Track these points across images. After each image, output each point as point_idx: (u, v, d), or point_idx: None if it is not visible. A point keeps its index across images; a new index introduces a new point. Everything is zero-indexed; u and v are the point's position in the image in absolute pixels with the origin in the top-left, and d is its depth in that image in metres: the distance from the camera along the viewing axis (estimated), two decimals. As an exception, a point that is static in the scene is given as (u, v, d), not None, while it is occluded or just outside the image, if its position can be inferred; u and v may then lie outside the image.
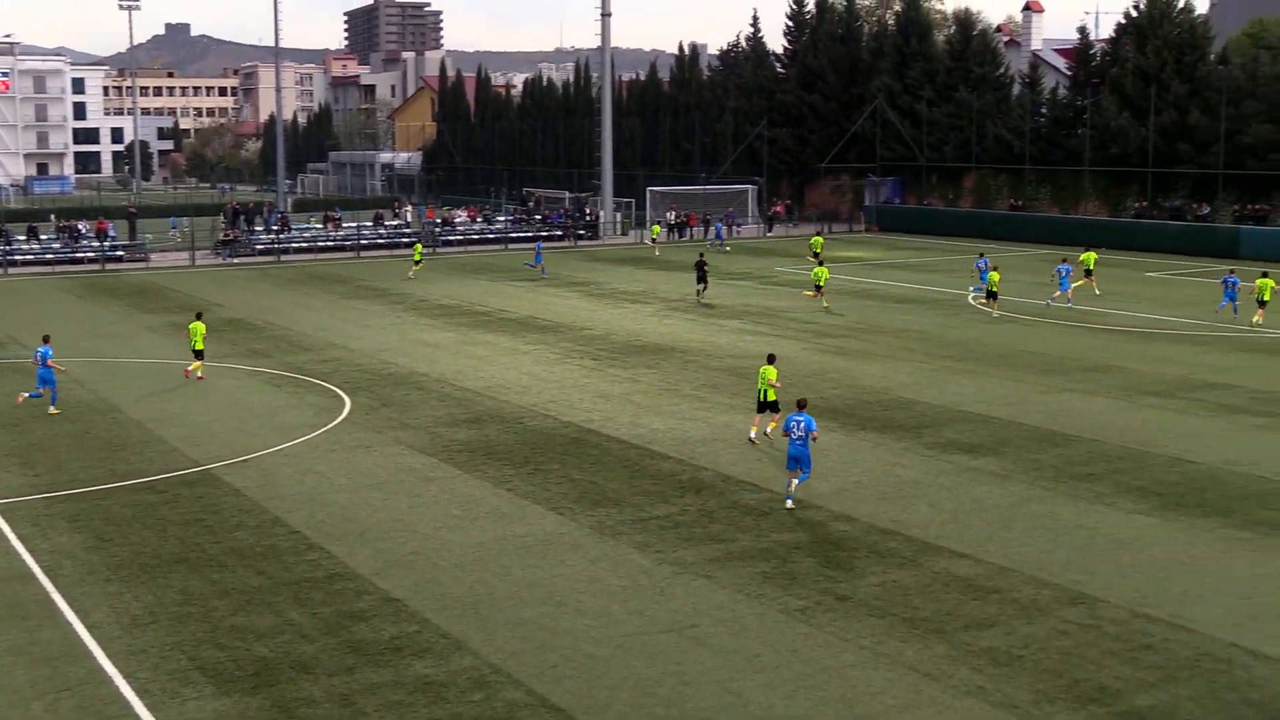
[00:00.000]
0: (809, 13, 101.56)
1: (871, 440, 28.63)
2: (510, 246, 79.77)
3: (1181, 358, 38.91)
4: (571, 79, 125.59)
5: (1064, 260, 52.55)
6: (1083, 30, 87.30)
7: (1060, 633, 17.49)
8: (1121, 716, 15.08)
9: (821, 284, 50.10)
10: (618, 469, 26.39)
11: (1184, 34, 78.34)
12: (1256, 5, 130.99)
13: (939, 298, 53.17)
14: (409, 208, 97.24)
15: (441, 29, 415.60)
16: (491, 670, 16.49)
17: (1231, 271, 48.79)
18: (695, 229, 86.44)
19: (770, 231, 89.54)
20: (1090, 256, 54.76)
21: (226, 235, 77.37)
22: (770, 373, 28.30)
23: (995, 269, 49.54)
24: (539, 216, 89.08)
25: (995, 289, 48.07)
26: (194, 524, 22.78)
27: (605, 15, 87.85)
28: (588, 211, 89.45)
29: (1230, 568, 20.12)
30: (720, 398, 33.42)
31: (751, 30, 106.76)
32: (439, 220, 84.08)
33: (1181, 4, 79.56)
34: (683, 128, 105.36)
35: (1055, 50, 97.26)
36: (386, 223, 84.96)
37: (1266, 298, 45.34)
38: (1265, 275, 46.85)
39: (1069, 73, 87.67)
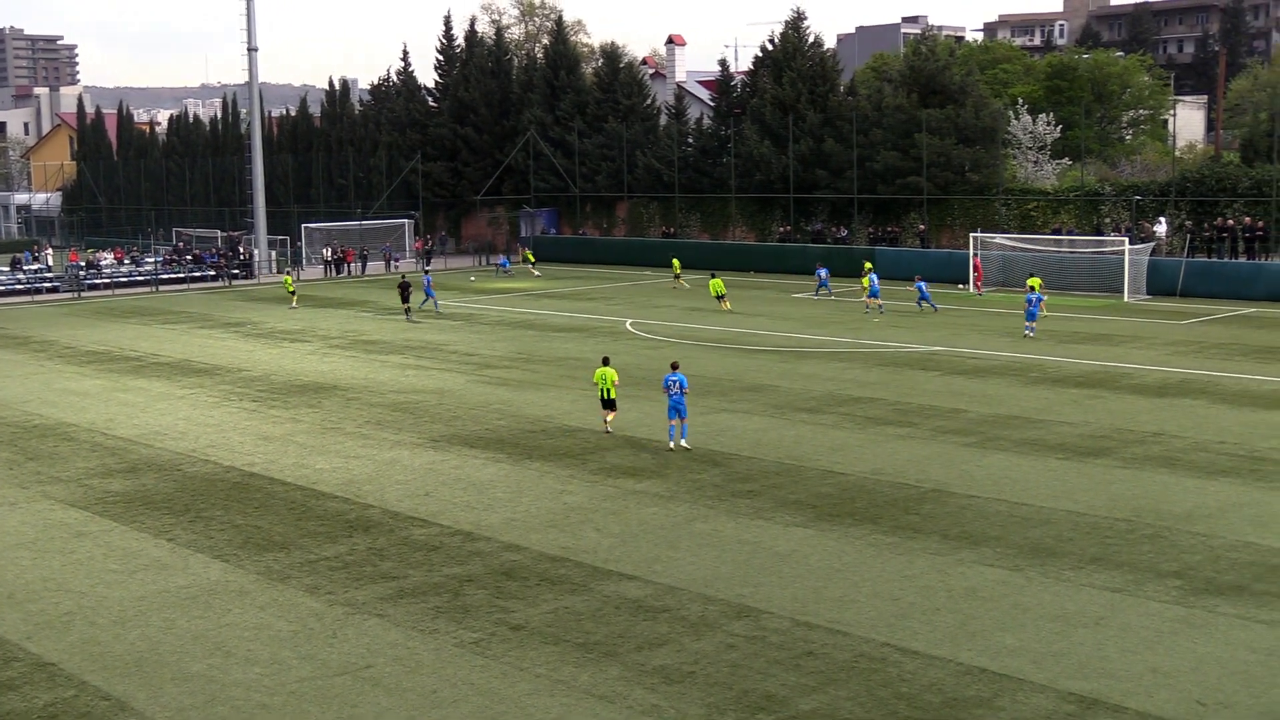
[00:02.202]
0: (459, 46, 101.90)
1: (538, 469, 28.86)
2: (161, 289, 76.88)
3: (829, 374, 40.75)
4: (219, 115, 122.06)
5: (870, 270, 58.28)
6: (723, 63, 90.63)
7: (728, 646, 18.01)
8: (788, 722, 15.66)
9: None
10: (283, 512, 25.76)
11: (815, 67, 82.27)
12: (876, 42, 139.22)
13: (597, 325, 54.09)
14: (49, 251, 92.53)
15: (77, 63, 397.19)
16: (158, 730, 15.80)
17: (919, 277, 56.97)
18: (353, 264, 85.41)
19: (429, 265, 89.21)
20: (867, 266, 59.70)
21: None
22: (611, 374, 31.74)
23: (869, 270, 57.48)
24: (190, 257, 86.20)
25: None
26: None
27: (252, 50, 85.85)
28: (241, 250, 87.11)
29: (880, 571, 21.15)
30: (385, 434, 33.06)
31: (402, 64, 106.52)
32: (83, 263, 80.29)
33: (811, 39, 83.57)
34: (336, 163, 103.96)
35: (699, 81, 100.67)
36: (25, 267, 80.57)
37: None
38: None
39: (712, 103, 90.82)
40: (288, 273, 72.74)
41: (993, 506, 24.91)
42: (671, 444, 30.23)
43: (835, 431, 32.24)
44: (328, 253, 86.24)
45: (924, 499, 25.59)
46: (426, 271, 70.14)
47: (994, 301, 59.54)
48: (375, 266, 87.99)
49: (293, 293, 66.21)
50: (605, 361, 32.55)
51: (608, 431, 32.08)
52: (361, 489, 27.44)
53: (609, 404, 32.17)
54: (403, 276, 63.03)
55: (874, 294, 55.92)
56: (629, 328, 53.18)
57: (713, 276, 59.97)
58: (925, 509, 24.85)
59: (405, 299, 57.86)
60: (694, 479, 27.59)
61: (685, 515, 24.83)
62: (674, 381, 29.99)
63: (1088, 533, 23.02)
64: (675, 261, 71.81)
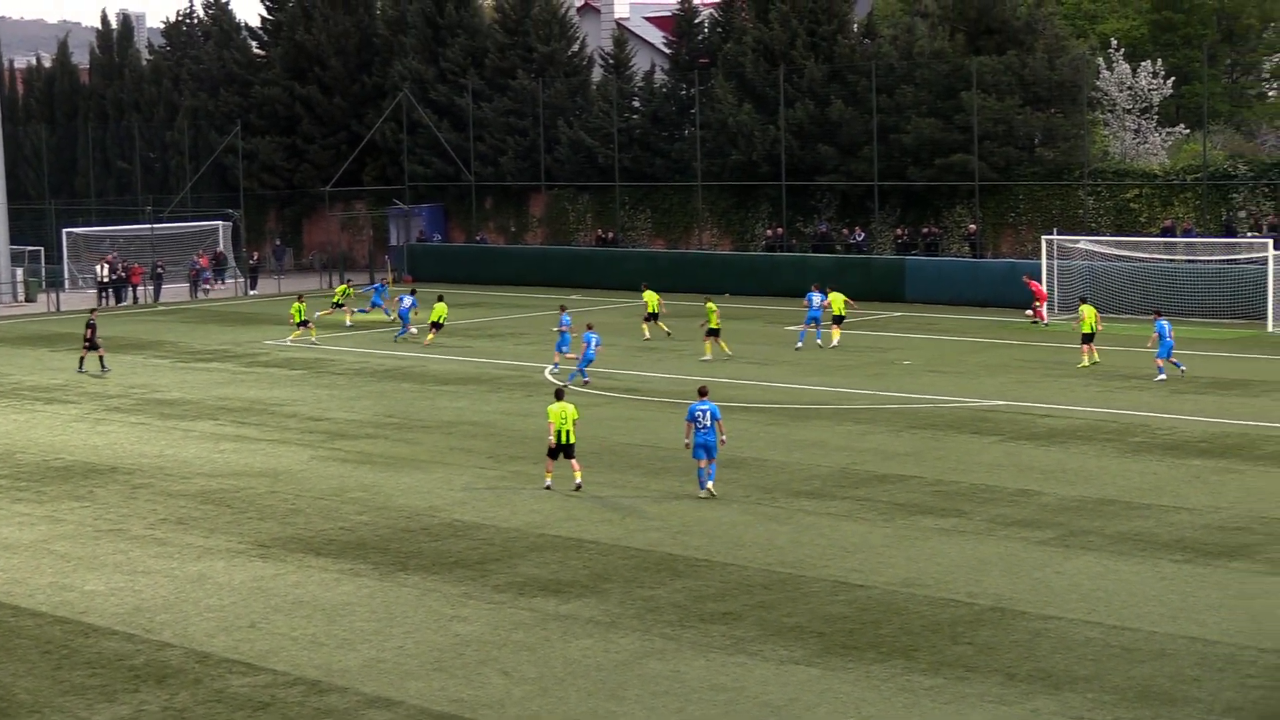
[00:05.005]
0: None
1: (417, 585, 28.70)
2: None
3: (840, 441, 40.80)
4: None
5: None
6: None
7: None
8: None
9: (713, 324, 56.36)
10: (33, 657, 25.44)
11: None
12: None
13: (502, 374, 53.98)
14: None
15: None
16: None
17: (818, 287, 58.81)
18: (140, 288, 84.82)
19: (254, 289, 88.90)
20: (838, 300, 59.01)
21: None
22: (571, 411, 35.62)
23: (709, 303, 56.91)
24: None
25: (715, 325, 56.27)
26: None
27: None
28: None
29: (919, 730, 21.15)
30: (189, 538, 32.81)
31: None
32: None
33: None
34: (114, 138, 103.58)
35: (648, 19, 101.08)
36: None
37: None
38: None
39: (669, 50, 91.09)
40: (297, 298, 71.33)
41: (1080, 632, 24.96)
42: (702, 491, 34.93)
43: (850, 525, 32.26)
44: (103, 270, 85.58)
45: (980, 621, 25.62)
46: (380, 281, 70.08)
47: (1072, 334, 59.87)
48: (176, 291, 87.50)
49: (304, 324, 64.07)
50: (559, 395, 36.72)
51: (578, 486, 35.65)
52: (154, 620, 27.18)
53: (563, 450, 35.84)
54: (91, 311, 62.66)
55: (811, 318, 57.94)
56: (549, 376, 53.10)
57: (440, 299, 63.34)
58: (982, 636, 24.87)
59: (91, 341, 57.02)
60: (646, 596, 27.50)
61: (634, 650, 24.74)
62: (704, 412, 34.75)
63: (1221, 670, 23.06)
64: (651, 297, 62.10)
